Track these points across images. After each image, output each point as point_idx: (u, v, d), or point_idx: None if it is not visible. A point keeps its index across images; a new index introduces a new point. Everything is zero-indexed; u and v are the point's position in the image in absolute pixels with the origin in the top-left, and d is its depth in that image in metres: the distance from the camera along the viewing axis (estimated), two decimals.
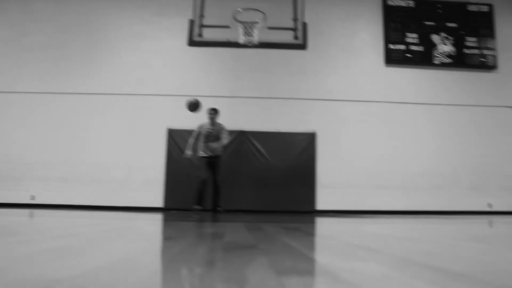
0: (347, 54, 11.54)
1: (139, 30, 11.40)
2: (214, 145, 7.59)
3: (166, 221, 4.71)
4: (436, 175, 11.13)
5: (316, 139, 10.97)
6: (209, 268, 1.22)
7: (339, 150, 11.02)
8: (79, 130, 10.88)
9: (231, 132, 10.81)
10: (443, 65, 11.58)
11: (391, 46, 11.51)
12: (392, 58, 11.49)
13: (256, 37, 8.05)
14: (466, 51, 11.63)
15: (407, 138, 11.25)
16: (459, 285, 1.06)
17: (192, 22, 8.31)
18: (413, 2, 11.76)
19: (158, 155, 10.68)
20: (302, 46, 8.35)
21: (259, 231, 3.00)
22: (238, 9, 8.40)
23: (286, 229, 3.31)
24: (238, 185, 10.58)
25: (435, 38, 11.64)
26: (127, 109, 10.96)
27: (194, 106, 7.31)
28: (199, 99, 7.45)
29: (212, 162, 7.63)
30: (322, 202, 10.74)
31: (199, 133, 7.73)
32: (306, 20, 8.50)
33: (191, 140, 7.76)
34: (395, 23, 11.60)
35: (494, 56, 11.66)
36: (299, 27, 8.33)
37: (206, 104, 10.62)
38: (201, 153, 7.70)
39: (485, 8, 11.88)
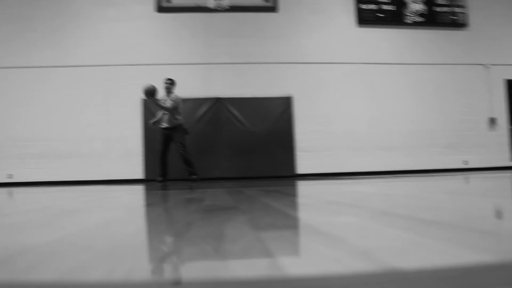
0: (318, 15, 11.42)
1: None
2: (169, 116, 7.60)
3: (146, 190, 4.70)
4: (413, 134, 11.30)
5: (292, 103, 10.97)
6: (187, 227, 1.22)
7: (316, 114, 11.06)
8: (52, 104, 10.62)
9: (206, 100, 10.73)
10: (415, 24, 11.59)
11: (362, 6, 11.43)
12: (364, 18, 11.43)
13: (226, 0, 7.91)
14: (437, 9, 11.64)
15: (383, 99, 11.33)
16: (433, 231, 1.09)
17: None
18: None
19: (135, 126, 10.56)
20: (273, 9, 8.25)
21: (240, 194, 3.02)
22: None
23: (266, 191, 3.33)
24: (217, 153, 10.58)
25: None
26: (99, 81, 10.72)
27: (151, 92, 7.24)
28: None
29: (168, 133, 7.64)
30: (302, 166, 10.84)
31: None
32: None
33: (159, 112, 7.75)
34: None
35: (464, 14, 11.71)
36: None
37: (179, 73, 10.49)
38: (161, 125, 7.72)
39: None
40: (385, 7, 11.47)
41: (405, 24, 11.56)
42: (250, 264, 0.75)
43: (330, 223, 1.28)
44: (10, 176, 10.35)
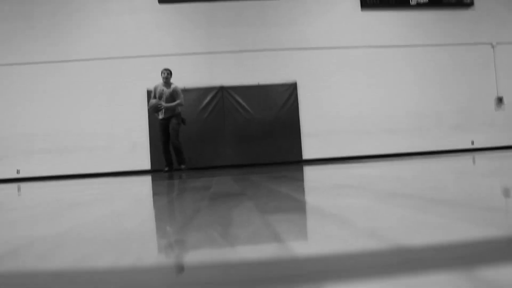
0: (322, 0, 11.33)
1: None
2: (167, 106, 7.62)
3: (154, 181, 4.73)
4: (419, 116, 11.25)
5: (297, 89, 10.94)
6: (195, 214, 1.22)
7: (321, 99, 11.03)
8: (57, 99, 10.66)
9: (211, 89, 10.72)
10: (419, 6, 11.47)
11: None
12: (368, 2, 11.32)
13: None
14: None
15: (388, 82, 11.27)
16: (441, 209, 1.09)
17: None
18: None
19: (141, 117, 10.57)
20: None
21: (246, 181, 3.02)
22: None
23: (273, 177, 3.34)
24: (222, 141, 10.60)
25: None
26: (103, 74, 10.72)
27: (156, 109, 7.52)
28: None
29: (165, 124, 7.70)
30: (308, 151, 10.84)
31: (154, 94, 7.76)
32: None
33: (152, 100, 7.69)
34: None
35: None
36: None
37: (182, 63, 10.47)
38: (158, 115, 7.77)
39: None
40: None
41: (409, 6, 11.44)
42: (259, 248, 0.75)
43: (337, 206, 1.28)
44: (18, 171, 10.43)
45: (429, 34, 11.52)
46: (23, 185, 6.30)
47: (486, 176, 2.28)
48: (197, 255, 0.72)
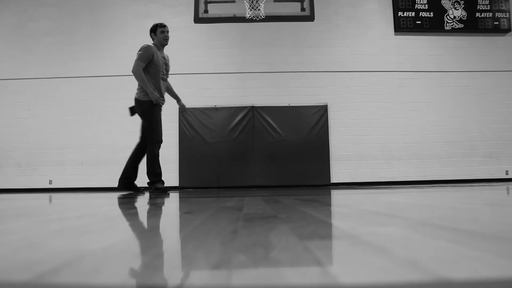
0: (355, 24, 11.40)
1: (143, 9, 11.35)
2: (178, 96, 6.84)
3: (183, 198, 4.79)
4: (450, 143, 11.08)
5: (328, 111, 10.94)
6: (232, 236, 1.26)
7: (351, 122, 11.00)
8: (90, 113, 10.96)
9: (242, 108, 10.81)
10: (454, 31, 11.40)
11: (400, 14, 11.34)
12: (402, 26, 11.32)
13: (262, 10, 7.98)
14: (478, 14, 11.42)
15: (420, 107, 11.16)
16: (478, 243, 1.09)
17: None
18: None
19: (171, 134, 10.74)
20: (310, 18, 8.28)
21: (277, 203, 3.04)
22: None
23: (303, 200, 3.35)
24: (251, 161, 10.65)
25: (445, 2, 11.43)
26: None
27: (132, 110, 6.51)
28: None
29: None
30: (337, 175, 10.79)
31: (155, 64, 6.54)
32: None
33: (155, 94, 6.64)
34: None
35: (508, 19, 11.43)
36: None
37: (214, 82, 10.59)
38: (162, 101, 6.76)
39: None
40: (423, 14, 11.34)
41: (444, 30, 11.38)
42: (302, 271, 0.77)
43: (372, 233, 1.29)
44: (50, 182, 10.71)
45: (464, 59, 11.40)
46: (56, 195, 6.46)
47: None
48: (242, 278, 0.75)
